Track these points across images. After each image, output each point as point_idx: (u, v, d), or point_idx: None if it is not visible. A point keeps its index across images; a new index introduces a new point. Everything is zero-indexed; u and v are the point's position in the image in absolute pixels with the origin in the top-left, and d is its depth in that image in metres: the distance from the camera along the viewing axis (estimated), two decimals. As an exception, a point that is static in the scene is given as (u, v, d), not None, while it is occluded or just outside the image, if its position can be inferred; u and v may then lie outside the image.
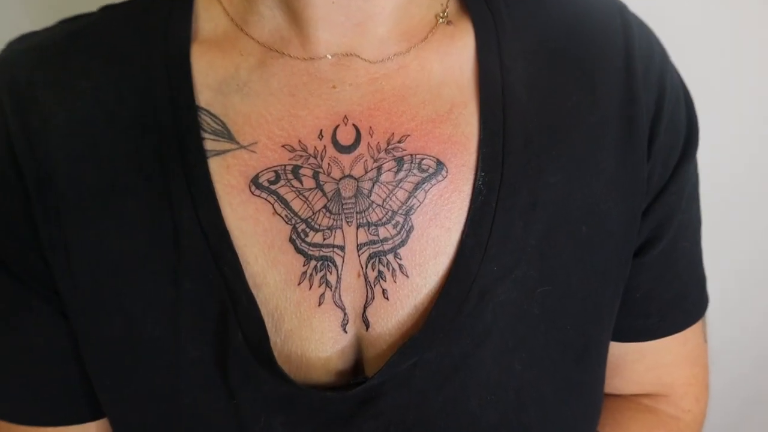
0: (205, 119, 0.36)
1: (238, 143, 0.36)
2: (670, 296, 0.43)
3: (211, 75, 0.37)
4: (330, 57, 0.37)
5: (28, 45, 0.38)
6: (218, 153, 0.36)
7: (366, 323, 0.36)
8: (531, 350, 0.37)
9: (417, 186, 0.36)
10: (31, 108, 0.36)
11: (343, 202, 0.36)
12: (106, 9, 0.40)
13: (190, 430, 0.36)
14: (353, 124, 0.36)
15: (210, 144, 0.36)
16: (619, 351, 0.44)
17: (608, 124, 0.38)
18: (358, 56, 0.37)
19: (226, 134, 0.36)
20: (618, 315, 0.41)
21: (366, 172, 0.36)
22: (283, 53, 0.37)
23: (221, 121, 0.36)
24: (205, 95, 0.37)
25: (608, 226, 0.38)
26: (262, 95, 0.36)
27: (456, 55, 0.38)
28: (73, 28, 0.39)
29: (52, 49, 0.38)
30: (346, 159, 0.36)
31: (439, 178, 0.36)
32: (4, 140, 0.36)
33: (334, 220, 0.36)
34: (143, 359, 0.36)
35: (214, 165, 0.36)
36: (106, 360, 0.36)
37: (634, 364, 0.45)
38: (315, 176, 0.36)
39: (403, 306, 0.36)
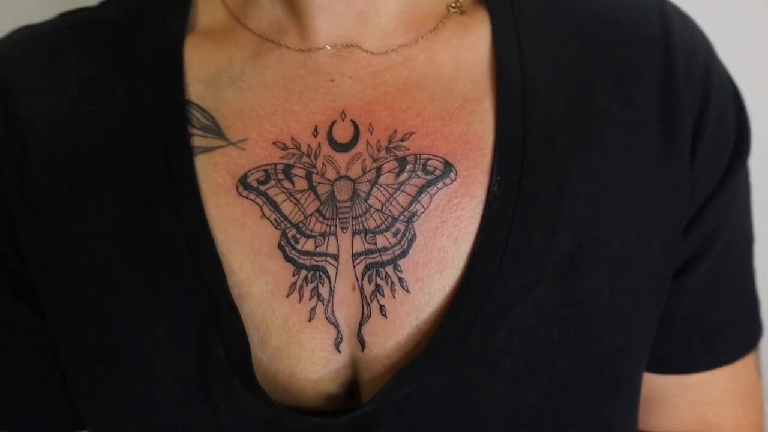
0: (195, 114, 0.34)
1: (227, 140, 0.33)
2: (716, 323, 0.37)
3: (203, 67, 0.34)
4: (329, 48, 0.33)
5: (22, 36, 0.37)
6: (206, 150, 0.33)
7: (362, 343, 0.32)
8: (550, 381, 0.33)
9: (421, 190, 0.32)
10: (17, 100, 0.35)
11: (338, 205, 0.32)
12: (107, 3, 0.39)
13: None
14: (351, 120, 0.32)
15: (198, 140, 0.33)
16: (656, 384, 0.39)
17: (644, 126, 0.34)
18: (360, 47, 0.33)
19: (215, 130, 0.33)
20: (656, 343, 0.36)
21: (364, 173, 0.32)
22: (280, 44, 0.34)
23: (211, 116, 0.34)
24: (196, 89, 0.34)
25: (643, 242, 0.34)
26: (256, 88, 0.33)
27: (470, 47, 0.34)
28: (70, 20, 0.38)
29: (45, 40, 0.36)
30: (342, 158, 0.32)
31: (447, 181, 0.32)
32: None
33: (327, 225, 0.32)
34: (118, 369, 0.33)
35: (201, 163, 0.33)
36: (82, 367, 0.34)
37: (675, 400, 0.40)
38: (308, 177, 0.32)
39: (404, 325, 0.32)
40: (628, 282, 0.34)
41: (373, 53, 0.34)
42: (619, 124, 0.34)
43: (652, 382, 0.39)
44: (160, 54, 0.35)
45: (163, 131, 0.33)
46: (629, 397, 0.36)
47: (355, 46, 0.34)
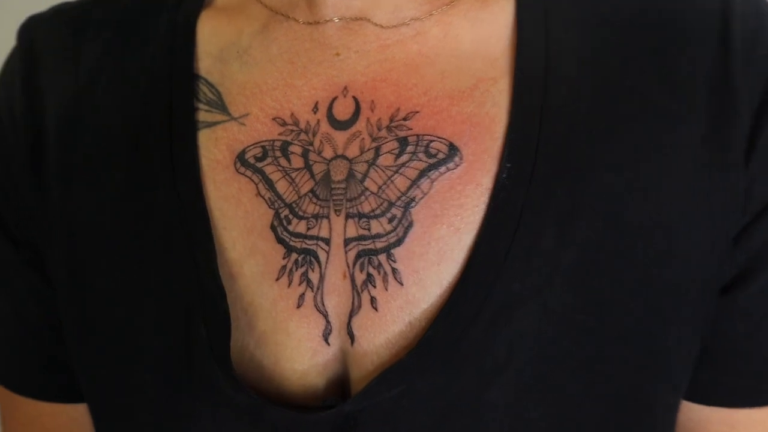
0: (202, 88, 0.33)
1: (229, 114, 0.32)
2: (773, 352, 0.32)
3: (213, 42, 0.34)
4: (337, 21, 0.32)
5: (52, 10, 0.38)
6: (209, 125, 0.32)
7: (351, 336, 0.30)
8: (559, 403, 0.29)
9: (422, 173, 0.29)
10: (40, 72, 0.36)
11: (333, 186, 0.30)
12: None
13: (148, 430, 0.32)
14: (353, 97, 0.30)
15: (202, 115, 0.33)
16: (698, 416, 0.33)
17: (689, 116, 0.29)
18: (369, 20, 0.31)
19: (219, 104, 0.33)
20: (700, 367, 0.31)
21: (361, 153, 0.30)
22: (288, 17, 0.33)
23: (217, 90, 0.33)
24: (205, 63, 0.34)
25: (680, 249, 0.29)
26: (261, 63, 0.32)
27: (489, 22, 0.31)
28: None
29: (71, 14, 0.37)
30: (340, 136, 0.30)
31: (451, 165, 0.29)
32: (10, 103, 0.36)
33: (320, 207, 0.30)
34: (107, 345, 0.33)
35: (203, 138, 0.32)
36: (75, 341, 0.34)
37: (721, 439, 0.34)
38: (304, 155, 0.31)
39: (395, 320, 0.29)
40: (661, 293, 0.29)
41: (383, 26, 0.31)
42: (658, 111, 0.29)
43: (694, 414, 0.33)
44: (175, 28, 0.34)
45: (170, 105, 0.33)
46: (658, 429, 0.31)
47: (365, 19, 0.32)
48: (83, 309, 0.33)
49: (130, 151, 0.33)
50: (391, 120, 0.30)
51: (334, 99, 0.31)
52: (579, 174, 0.29)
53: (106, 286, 0.33)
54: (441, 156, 0.29)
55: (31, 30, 0.37)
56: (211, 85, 0.33)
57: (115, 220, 0.32)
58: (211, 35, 0.34)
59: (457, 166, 0.29)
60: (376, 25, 0.31)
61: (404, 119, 0.30)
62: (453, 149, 0.29)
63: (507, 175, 0.29)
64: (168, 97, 0.33)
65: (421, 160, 0.29)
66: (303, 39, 0.32)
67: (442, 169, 0.29)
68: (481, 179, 0.29)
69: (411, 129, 0.30)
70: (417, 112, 0.30)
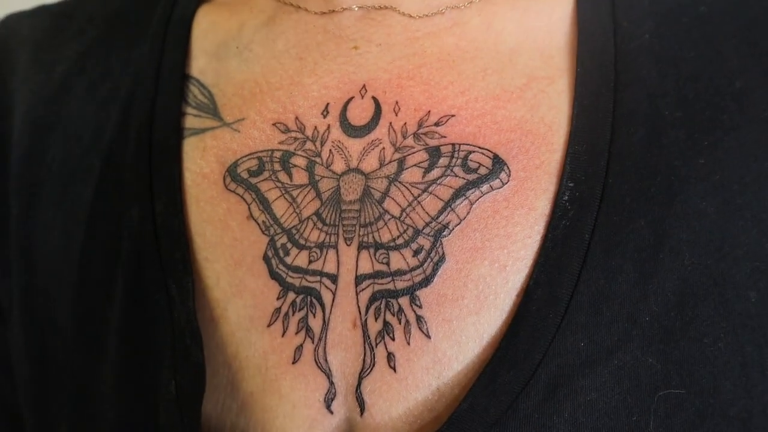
0: (193, 90, 0.28)
1: (221, 119, 0.26)
2: None
3: (210, 37, 0.29)
4: (356, 9, 0.26)
5: (38, 7, 0.34)
6: (196, 132, 0.27)
7: (361, 404, 0.23)
8: None
9: (458, 193, 0.23)
10: (10, 74, 0.31)
11: (343, 208, 0.24)
12: None
13: None
14: (372, 97, 0.25)
15: (190, 121, 0.27)
16: None
17: None
18: (395, 9, 0.26)
19: (211, 108, 0.27)
20: None
21: (381, 166, 0.24)
22: (299, 7, 0.27)
23: (209, 91, 0.27)
24: (199, 62, 0.29)
25: None
26: (263, 59, 0.27)
27: (542, 13, 0.26)
28: None
29: (56, 9, 0.33)
30: (354, 145, 0.24)
31: (495, 183, 0.23)
32: None
33: (327, 234, 0.24)
34: (61, 390, 0.27)
35: (189, 147, 0.27)
36: (27, 382, 0.28)
37: None
38: (309, 168, 0.24)
39: (419, 385, 0.22)
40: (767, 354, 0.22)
41: (411, 16, 0.26)
42: (758, 120, 0.23)
43: None
44: (168, 24, 0.29)
45: (152, 110, 0.27)
46: None
47: (390, 8, 0.26)
48: (38, 349, 0.27)
49: (104, 163, 0.28)
50: (420, 125, 0.24)
51: (350, 100, 0.25)
52: (666, 197, 0.22)
53: (67, 322, 0.27)
54: (483, 171, 0.23)
55: (7, 27, 0.33)
56: (202, 87, 0.28)
57: (82, 245, 0.27)
58: (208, 31, 0.29)
59: (504, 184, 0.23)
60: (404, 14, 0.26)
61: (436, 124, 0.24)
62: (498, 163, 0.23)
63: (569, 198, 0.22)
64: (152, 101, 0.28)
65: (457, 176, 0.23)
66: (315, 31, 0.27)
67: (485, 187, 0.23)
68: (534, 202, 0.23)
69: (445, 137, 0.24)
70: (452, 116, 0.24)
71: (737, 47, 0.24)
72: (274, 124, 0.26)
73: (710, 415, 0.22)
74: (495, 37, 0.25)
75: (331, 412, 0.23)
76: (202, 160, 0.26)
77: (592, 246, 0.22)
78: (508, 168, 0.23)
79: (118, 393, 0.25)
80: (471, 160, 0.23)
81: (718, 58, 0.24)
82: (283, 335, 0.24)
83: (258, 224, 0.25)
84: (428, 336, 0.22)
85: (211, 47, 0.29)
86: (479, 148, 0.23)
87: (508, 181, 0.23)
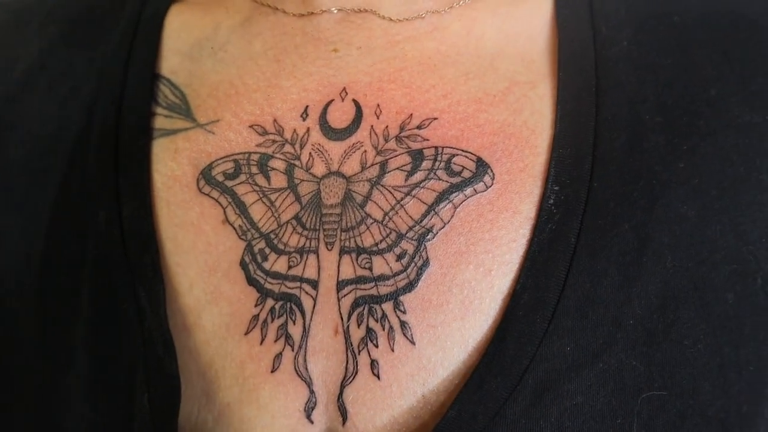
0: (163, 89, 0.27)
1: (194, 120, 0.25)
2: None
3: (183, 37, 0.28)
4: (335, 12, 0.26)
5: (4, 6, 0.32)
6: (167, 133, 0.26)
7: (343, 413, 0.22)
8: None
9: (442, 196, 0.23)
10: None
11: (324, 212, 0.23)
12: None
13: None
14: (353, 100, 0.24)
15: (160, 121, 0.26)
16: None
17: None
18: (375, 12, 0.26)
19: (183, 109, 0.26)
20: None
21: (363, 170, 0.23)
22: (276, 8, 0.27)
23: (181, 92, 0.27)
24: (170, 61, 0.28)
25: None
26: (239, 60, 0.26)
27: (522, 19, 0.26)
28: None
29: (19, 4, 0.32)
30: (335, 148, 0.24)
31: (480, 186, 0.23)
32: None
33: (307, 239, 0.23)
34: (22, 413, 0.25)
35: (159, 149, 0.26)
36: None
37: None
38: (288, 171, 0.24)
39: (403, 392, 0.22)
40: (748, 355, 0.22)
41: (392, 20, 0.25)
42: (734, 126, 0.24)
43: None
44: (138, 22, 0.28)
45: (120, 110, 0.26)
46: None
47: (370, 11, 0.26)
48: None
49: (67, 164, 0.26)
50: (402, 128, 0.24)
51: (330, 102, 0.24)
52: (648, 201, 0.22)
53: (28, 334, 0.25)
54: (466, 174, 0.23)
55: None
56: (174, 87, 0.27)
57: (44, 251, 0.25)
58: (180, 30, 0.28)
59: (488, 187, 0.23)
60: (384, 18, 0.26)
61: (418, 127, 0.23)
62: (482, 166, 0.23)
63: (555, 202, 0.22)
64: (119, 100, 0.26)
65: (440, 180, 0.23)
66: (293, 33, 0.26)
67: (468, 191, 0.23)
68: (519, 206, 0.23)
69: (427, 140, 0.23)
70: (435, 119, 0.24)
71: (710, 56, 0.25)
72: (251, 126, 0.25)
73: (690, 416, 0.22)
74: (476, 42, 0.25)
75: (312, 422, 0.23)
76: (173, 162, 0.25)
77: (578, 250, 0.22)
78: (492, 171, 0.23)
79: (89, 406, 0.24)
80: (454, 163, 0.23)
81: (693, 66, 0.24)
82: (261, 343, 0.23)
83: (234, 229, 0.24)
84: (413, 342, 0.22)
85: (184, 47, 0.28)
86: (462, 151, 0.23)
87: (492, 184, 0.23)
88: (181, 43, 0.28)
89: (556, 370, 0.21)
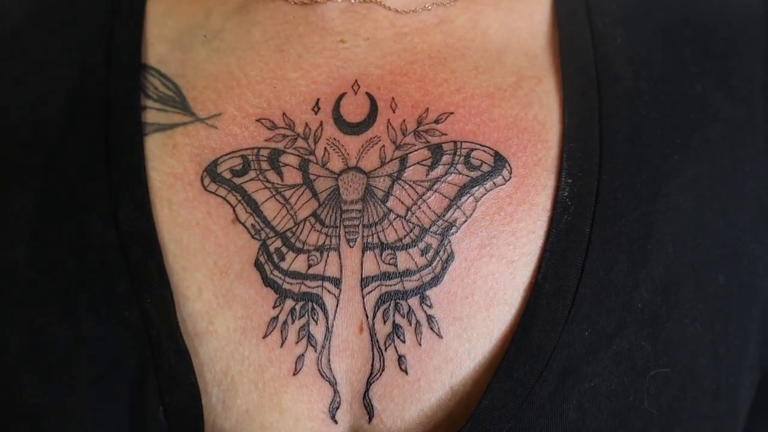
0: (152, 81, 0.25)
1: (193, 114, 0.24)
2: None
3: (170, 23, 0.26)
4: (340, 1, 0.25)
5: None
6: (162, 128, 0.24)
7: (369, 410, 0.22)
8: None
9: (462, 190, 0.23)
10: None
11: (344, 208, 0.23)
12: None
13: None
14: (367, 93, 0.24)
15: (152, 115, 0.24)
16: None
17: (751, 124, 0.26)
18: (380, 3, 0.25)
19: (178, 102, 0.24)
20: (755, 418, 0.27)
21: (382, 164, 0.23)
22: None
23: (174, 83, 0.25)
24: (157, 50, 0.26)
25: (753, 277, 0.25)
26: (238, 50, 0.25)
27: (523, 15, 0.26)
28: None
29: None
30: (352, 143, 0.23)
31: (499, 180, 0.23)
32: None
33: (327, 236, 0.23)
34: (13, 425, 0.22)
35: (154, 145, 0.24)
36: None
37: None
38: (302, 167, 0.23)
39: (432, 386, 0.22)
40: (734, 330, 0.24)
41: (397, 11, 0.25)
42: (719, 120, 0.25)
43: None
44: (118, 6, 0.26)
45: (106, 103, 0.24)
46: None
47: (374, 2, 0.25)
48: None
49: (48, 163, 0.24)
50: (419, 123, 0.23)
51: (342, 95, 0.24)
52: (649, 192, 0.24)
53: (17, 353, 0.23)
54: (485, 168, 0.23)
55: None
56: (165, 77, 0.25)
57: (27, 259, 0.23)
58: (166, 16, 0.26)
59: (506, 181, 0.23)
60: (389, 9, 0.25)
61: (436, 122, 0.24)
62: (500, 160, 0.23)
63: (569, 194, 0.23)
64: (104, 93, 0.24)
65: (461, 174, 0.23)
66: (296, 22, 0.25)
67: (488, 184, 0.23)
68: (535, 198, 0.23)
69: (445, 134, 0.23)
70: (451, 113, 0.24)
71: (694, 53, 0.27)
72: (258, 120, 0.24)
73: (690, 389, 0.24)
74: (481, 35, 0.26)
75: (336, 422, 0.22)
76: (172, 159, 0.24)
77: (593, 239, 0.23)
78: (509, 165, 0.23)
79: (92, 422, 0.22)
80: (473, 158, 0.23)
81: (681, 63, 0.26)
82: (281, 345, 0.22)
83: (246, 228, 0.23)
84: (440, 336, 0.22)
85: (172, 34, 0.26)
86: (480, 145, 0.23)
87: (510, 178, 0.23)
88: (168, 30, 0.26)
89: (576, 355, 0.22)
